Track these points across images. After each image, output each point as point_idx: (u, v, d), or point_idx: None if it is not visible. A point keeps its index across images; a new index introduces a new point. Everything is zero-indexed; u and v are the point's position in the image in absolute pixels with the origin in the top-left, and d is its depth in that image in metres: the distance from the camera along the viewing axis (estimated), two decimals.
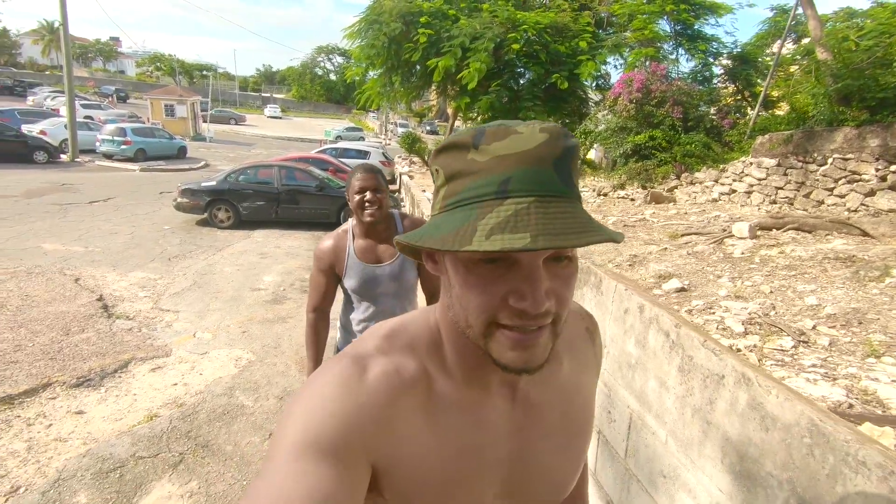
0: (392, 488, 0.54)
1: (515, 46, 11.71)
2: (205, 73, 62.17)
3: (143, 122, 23.88)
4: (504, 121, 0.49)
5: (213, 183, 8.89)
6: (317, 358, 1.94)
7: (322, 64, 64.89)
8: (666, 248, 4.27)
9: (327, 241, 1.86)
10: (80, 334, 4.27)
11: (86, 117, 21.48)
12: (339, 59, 59.06)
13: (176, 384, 3.62)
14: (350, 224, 1.88)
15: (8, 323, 4.36)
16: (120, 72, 70.00)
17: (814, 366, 2.06)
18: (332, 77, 63.20)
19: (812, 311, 2.73)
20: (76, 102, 17.34)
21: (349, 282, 1.85)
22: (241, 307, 5.26)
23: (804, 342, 2.32)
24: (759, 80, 13.39)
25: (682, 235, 4.75)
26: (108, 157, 16.66)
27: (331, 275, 1.86)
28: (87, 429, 3.03)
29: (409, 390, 0.54)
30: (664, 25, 13.66)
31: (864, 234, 3.97)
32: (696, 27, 13.51)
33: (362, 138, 32.77)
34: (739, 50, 14.64)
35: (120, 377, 3.65)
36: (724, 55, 14.37)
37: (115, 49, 69.70)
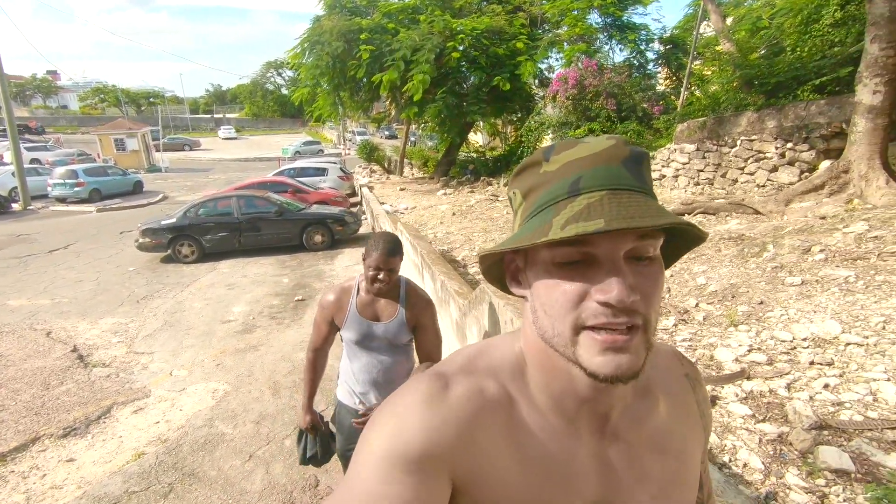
0: None
1: (456, 55, 12.15)
2: (152, 100, 60.78)
3: (95, 160, 23.47)
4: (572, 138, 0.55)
5: (174, 220, 9.05)
6: (312, 391, 2.15)
7: (272, 79, 64.34)
8: None
9: (333, 294, 2.03)
10: (59, 387, 4.50)
11: (32, 160, 21.01)
12: (290, 73, 58.55)
13: (158, 422, 3.92)
14: (357, 280, 2.04)
15: None
16: (62, 107, 67.54)
17: (685, 339, 2.53)
18: (284, 91, 62.63)
19: (699, 290, 3.23)
20: (20, 145, 16.98)
21: (347, 333, 2.02)
22: (213, 340, 5.54)
23: (684, 320, 2.81)
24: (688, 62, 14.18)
25: None
26: (62, 200, 16.42)
27: (332, 324, 2.05)
28: (80, 473, 3.32)
29: (492, 411, 0.54)
30: (596, 18, 14.29)
31: (756, 212, 4.54)
32: (624, 18, 14.17)
33: (321, 151, 32.83)
34: (668, 34, 15.46)
35: (104, 422, 3.93)
36: (656, 40, 15.15)
37: (53, 84, 67.28)
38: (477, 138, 23.70)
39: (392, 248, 1.89)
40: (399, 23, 13.27)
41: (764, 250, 3.61)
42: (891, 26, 4.42)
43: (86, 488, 3.16)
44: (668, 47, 15.01)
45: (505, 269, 0.58)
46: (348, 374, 2.12)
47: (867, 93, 4.64)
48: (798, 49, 6.86)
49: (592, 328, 0.47)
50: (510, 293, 0.59)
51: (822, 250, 3.30)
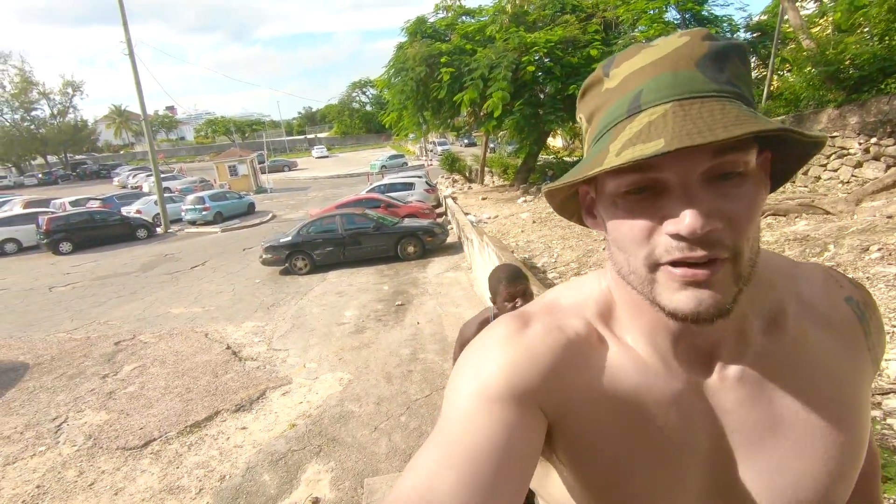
0: (565, 447, 0.52)
1: (531, 69, 12.70)
2: (254, 127, 67.30)
3: (212, 185, 26.81)
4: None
5: (289, 238, 10.54)
6: None
7: (357, 98, 68.47)
8: None
9: (474, 330, 2.08)
10: (225, 375, 5.76)
11: (164, 189, 24.52)
12: (373, 91, 61.97)
13: (301, 402, 4.97)
14: (491, 315, 2.11)
15: (174, 373, 5.94)
16: (181, 138, 76.85)
17: None
18: (369, 108, 66.34)
19: None
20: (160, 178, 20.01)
21: None
22: (332, 339, 6.63)
23: None
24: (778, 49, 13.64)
25: None
26: (193, 223, 19.16)
27: None
28: (253, 438, 4.41)
29: (576, 347, 0.52)
30: (673, 14, 14.13)
31: (826, 212, 4.70)
32: (704, 12, 13.88)
33: (405, 163, 34.61)
34: (754, 21, 14.90)
35: (262, 402, 5.06)
36: (741, 30, 14.67)
37: (173, 118, 76.78)
38: (557, 142, 23.94)
39: (514, 275, 1.98)
40: (476, 43, 14.08)
41: (825, 251, 3.86)
42: None
43: (259, 447, 4.22)
44: (755, 35, 14.47)
45: (580, 202, 0.55)
46: None
47: None
48: (887, 38, 6.70)
49: (670, 263, 0.42)
50: (587, 227, 0.56)
51: (879, 249, 3.50)
